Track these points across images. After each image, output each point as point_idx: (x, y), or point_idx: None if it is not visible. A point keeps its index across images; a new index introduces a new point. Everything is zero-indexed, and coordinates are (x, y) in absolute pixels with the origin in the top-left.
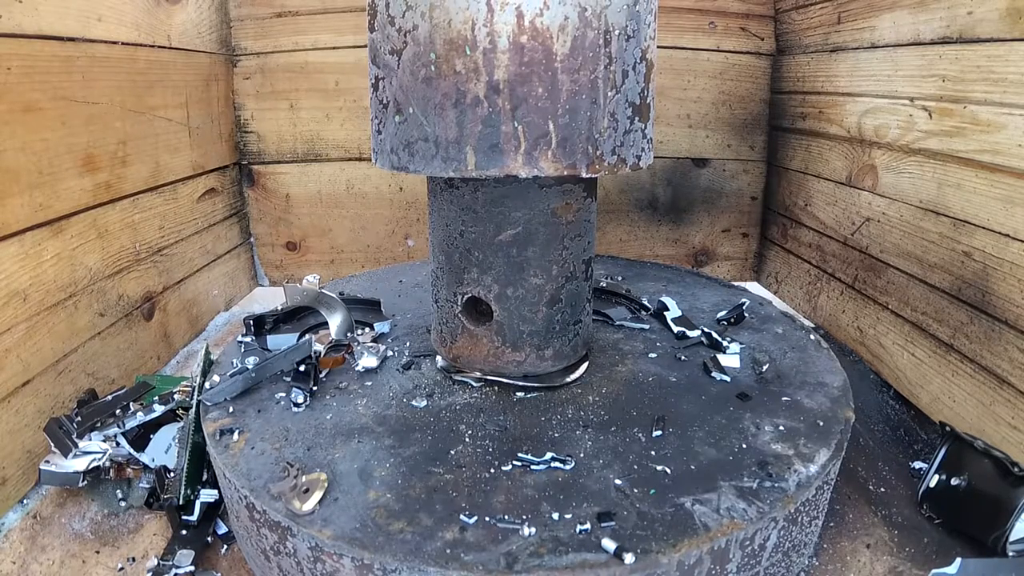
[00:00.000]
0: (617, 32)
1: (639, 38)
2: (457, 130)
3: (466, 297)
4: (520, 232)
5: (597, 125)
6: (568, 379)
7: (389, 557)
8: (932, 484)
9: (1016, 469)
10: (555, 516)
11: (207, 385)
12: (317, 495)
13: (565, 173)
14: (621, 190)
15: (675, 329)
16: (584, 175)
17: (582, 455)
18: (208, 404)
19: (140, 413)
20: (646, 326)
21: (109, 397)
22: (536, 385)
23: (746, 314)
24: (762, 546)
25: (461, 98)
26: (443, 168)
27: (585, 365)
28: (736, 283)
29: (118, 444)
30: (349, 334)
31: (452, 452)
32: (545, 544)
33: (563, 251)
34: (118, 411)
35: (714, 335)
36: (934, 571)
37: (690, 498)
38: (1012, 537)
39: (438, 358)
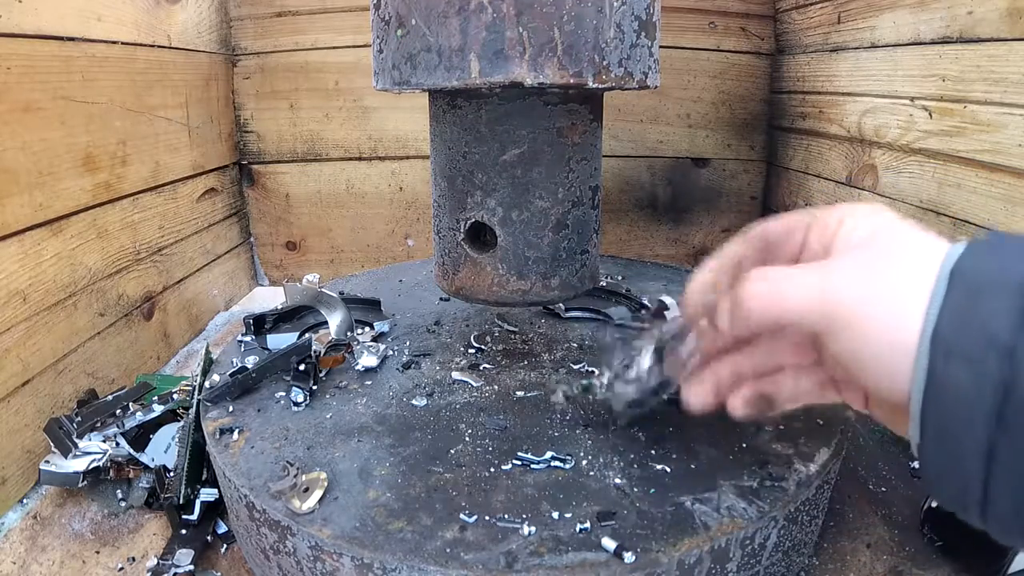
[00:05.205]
0: None
1: None
2: (461, 37)
3: (469, 223)
4: (525, 151)
5: (603, 35)
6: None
7: (389, 556)
8: (934, 504)
9: None
10: (555, 515)
11: (207, 384)
12: (317, 494)
13: (571, 81)
14: (621, 190)
15: None
16: (591, 84)
17: (582, 454)
18: (208, 403)
19: (140, 413)
20: (646, 325)
21: (109, 397)
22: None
23: None
24: (762, 545)
25: (465, 4)
26: (446, 78)
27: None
28: None
29: (118, 444)
30: (349, 333)
31: (452, 451)
32: (545, 543)
33: (569, 173)
34: (118, 411)
35: None
36: None
37: (690, 497)
38: (1012, 569)
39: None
